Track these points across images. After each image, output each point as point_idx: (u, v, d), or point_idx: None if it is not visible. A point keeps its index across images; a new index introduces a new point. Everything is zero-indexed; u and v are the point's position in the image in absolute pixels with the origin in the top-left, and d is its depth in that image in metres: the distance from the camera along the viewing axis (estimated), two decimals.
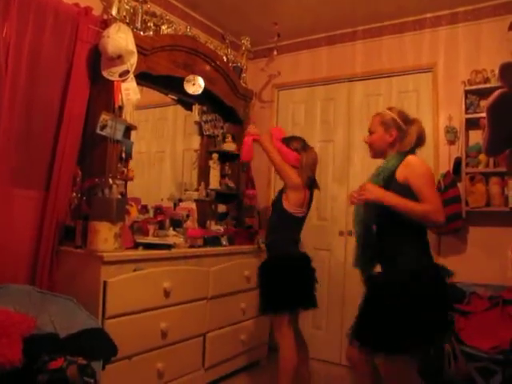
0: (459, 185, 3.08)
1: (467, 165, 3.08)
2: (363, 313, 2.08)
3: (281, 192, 2.69)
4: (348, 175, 3.74)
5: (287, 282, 2.52)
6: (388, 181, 2.02)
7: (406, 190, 1.95)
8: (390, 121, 2.10)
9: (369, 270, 2.18)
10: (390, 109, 2.19)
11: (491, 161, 3.01)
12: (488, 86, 2.99)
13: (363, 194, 2.00)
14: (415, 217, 1.93)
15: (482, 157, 3.03)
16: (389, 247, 2.06)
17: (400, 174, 1.99)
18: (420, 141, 2.08)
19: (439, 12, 3.37)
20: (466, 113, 3.10)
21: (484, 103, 2.83)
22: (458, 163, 3.13)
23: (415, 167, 1.97)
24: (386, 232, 2.07)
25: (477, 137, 3.09)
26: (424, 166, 2.00)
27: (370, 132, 2.18)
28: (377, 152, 2.17)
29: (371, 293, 2.09)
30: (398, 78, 3.60)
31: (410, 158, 2.01)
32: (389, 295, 1.96)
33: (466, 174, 3.06)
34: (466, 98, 3.11)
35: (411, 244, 2.02)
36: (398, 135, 2.09)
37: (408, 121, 2.11)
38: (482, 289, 2.83)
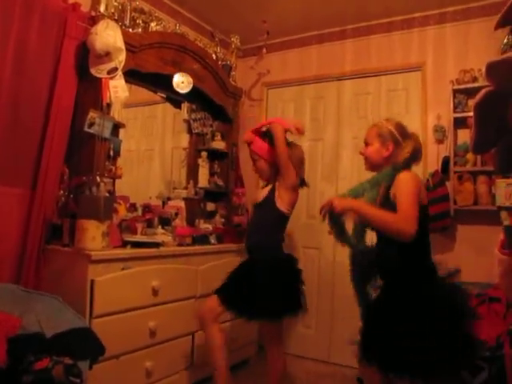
0: (447, 184, 3.11)
1: (455, 164, 3.11)
2: (370, 328, 1.95)
3: (272, 190, 2.55)
4: (337, 173, 3.74)
5: (280, 288, 2.40)
6: (384, 199, 1.94)
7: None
8: (387, 134, 2.02)
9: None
10: (387, 120, 2.10)
11: (479, 160, 3.04)
12: (476, 85, 3.01)
13: (334, 207, 1.90)
14: (387, 228, 1.79)
15: (470, 156, 3.06)
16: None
17: (392, 192, 1.89)
18: (415, 157, 1.98)
19: (427, 12, 3.39)
20: (454, 112, 3.13)
21: (472, 102, 2.85)
22: (446, 162, 3.15)
23: (402, 181, 1.85)
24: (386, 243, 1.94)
25: (465, 136, 3.12)
26: (412, 180, 1.86)
27: (366, 143, 2.09)
28: (373, 165, 2.09)
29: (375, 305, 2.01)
30: (387, 77, 3.61)
31: (402, 174, 1.88)
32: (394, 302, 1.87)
33: (455, 172, 3.08)
34: (455, 97, 3.13)
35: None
36: (395, 149, 2.00)
37: (405, 134, 2.03)
38: (469, 286, 2.84)
